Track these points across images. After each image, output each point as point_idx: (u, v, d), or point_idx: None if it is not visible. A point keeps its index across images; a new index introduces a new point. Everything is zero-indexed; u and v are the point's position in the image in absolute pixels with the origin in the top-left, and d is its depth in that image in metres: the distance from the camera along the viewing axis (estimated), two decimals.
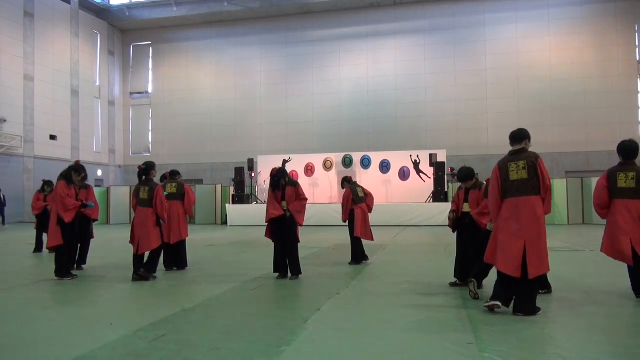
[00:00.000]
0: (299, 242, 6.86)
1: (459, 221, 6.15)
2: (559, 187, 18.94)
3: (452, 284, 6.03)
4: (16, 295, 5.95)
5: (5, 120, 22.92)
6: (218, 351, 3.66)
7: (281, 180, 6.81)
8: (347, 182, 8.64)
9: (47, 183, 10.16)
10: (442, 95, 26.00)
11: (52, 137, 25.93)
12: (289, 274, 6.77)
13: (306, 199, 6.83)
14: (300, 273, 6.80)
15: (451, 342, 3.77)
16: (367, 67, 27.09)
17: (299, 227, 6.84)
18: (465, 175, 6.13)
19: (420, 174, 20.26)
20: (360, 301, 5.52)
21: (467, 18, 26.05)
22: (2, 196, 21.56)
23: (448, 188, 19.46)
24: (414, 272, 7.40)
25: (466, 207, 6.05)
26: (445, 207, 18.34)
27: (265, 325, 4.37)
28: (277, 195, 6.77)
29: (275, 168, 7.02)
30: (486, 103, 25.56)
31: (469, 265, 5.77)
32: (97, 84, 29.54)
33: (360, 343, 3.85)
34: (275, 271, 6.85)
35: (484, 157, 24.66)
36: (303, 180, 21.04)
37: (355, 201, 8.28)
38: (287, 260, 6.76)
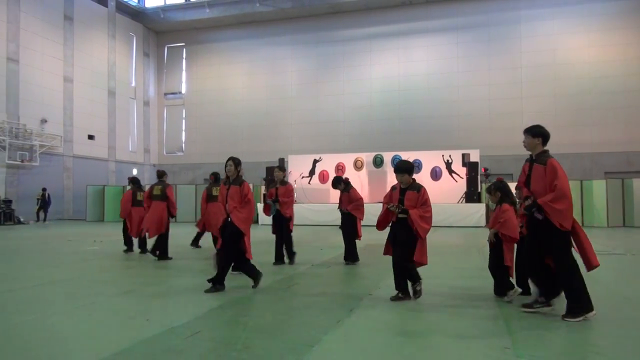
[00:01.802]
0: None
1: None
2: (598, 189, 18.35)
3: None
4: (57, 289, 6.16)
5: (46, 121, 23.75)
6: (251, 349, 3.69)
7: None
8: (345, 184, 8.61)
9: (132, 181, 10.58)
10: (475, 94, 25.54)
11: (90, 137, 26.73)
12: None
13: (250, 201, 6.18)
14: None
15: (487, 346, 3.70)
16: (398, 66, 26.86)
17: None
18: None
19: (453, 174, 19.97)
20: (392, 301, 5.47)
21: (501, 15, 25.50)
22: (47, 195, 22.37)
23: (481, 188, 19.10)
24: (447, 274, 7.29)
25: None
26: (478, 208, 18.07)
27: (297, 324, 4.39)
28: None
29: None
30: (521, 102, 24.97)
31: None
32: (133, 85, 30.28)
33: (392, 344, 3.82)
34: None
35: (518, 157, 24.04)
36: None
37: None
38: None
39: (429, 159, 20.34)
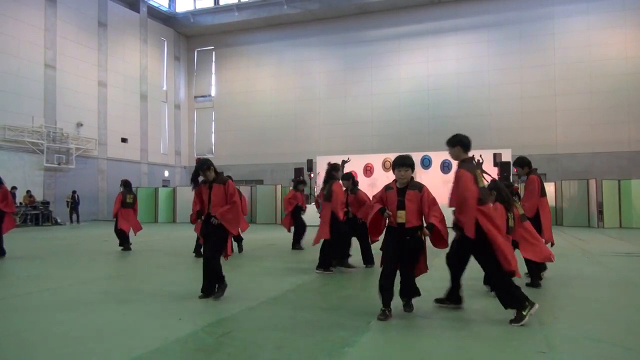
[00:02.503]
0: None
1: None
2: (638, 188, 17.70)
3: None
4: (93, 288, 6.31)
5: (82, 125, 24.47)
6: (282, 349, 3.70)
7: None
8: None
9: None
10: (507, 92, 25.04)
11: (123, 140, 27.39)
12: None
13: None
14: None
15: (522, 349, 3.61)
16: (427, 66, 26.58)
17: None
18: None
19: (483, 175, 19.58)
20: (424, 303, 5.40)
21: (533, 11, 24.93)
22: (76, 196, 23.03)
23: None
24: (478, 276, 7.15)
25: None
26: None
27: (328, 325, 4.37)
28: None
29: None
30: (554, 100, 24.36)
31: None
32: (164, 88, 30.88)
33: (424, 346, 3.77)
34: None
35: (552, 156, 23.53)
36: (362, 181, 20.96)
37: None
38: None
39: None
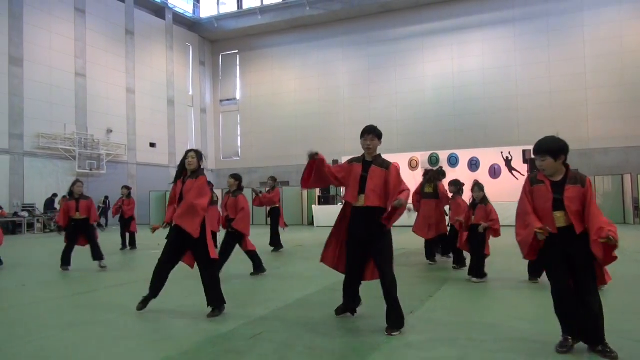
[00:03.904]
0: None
1: None
2: None
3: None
4: (128, 291, 6.44)
5: (111, 131, 25.04)
6: (312, 351, 3.69)
7: None
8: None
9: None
10: (535, 87, 24.49)
11: (152, 145, 27.91)
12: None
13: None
14: None
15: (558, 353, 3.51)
16: (452, 63, 26.23)
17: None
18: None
19: (513, 172, 19.24)
20: (454, 305, 5.33)
21: (561, 4, 24.31)
22: (107, 202, 23.56)
23: None
24: (509, 277, 7.01)
25: None
26: None
27: (358, 326, 4.35)
28: None
29: None
30: (585, 93, 23.70)
31: None
32: (190, 93, 31.34)
33: (456, 350, 3.70)
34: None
35: (584, 151, 22.89)
36: None
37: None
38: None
39: (487, 157, 19.70)
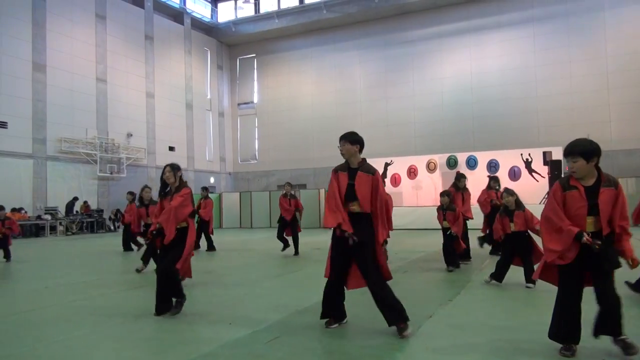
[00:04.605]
0: None
1: None
2: None
3: None
4: (145, 294, 6.51)
5: (131, 135, 25.41)
6: (332, 354, 3.68)
7: None
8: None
9: None
10: (555, 88, 24.13)
11: (171, 148, 28.23)
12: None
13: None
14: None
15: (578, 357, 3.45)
16: (470, 64, 26.00)
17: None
18: None
19: (533, 174, 18.97)
20: (474, 309, 5.26)
21: (582, 3, 23.93)
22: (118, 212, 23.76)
23: None
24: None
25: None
26: None
27: (378, 329, 4.32)
28: None
29: None
30: (607, 94, 23.26)
31: None
32: (208, 97, 31.64)
33: (478, 355, 3.65)
34: None
35: (607, 153, 22.30)
36: (406, 183, 20.71)
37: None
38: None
39: (507, 159, 19.46)
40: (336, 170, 4.56)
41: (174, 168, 5.26)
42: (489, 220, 9.03)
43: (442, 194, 8.04)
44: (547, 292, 5.95)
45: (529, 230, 6.36)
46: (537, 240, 8.22)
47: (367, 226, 4.29)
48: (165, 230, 4.93)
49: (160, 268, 5.05)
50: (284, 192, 10.93)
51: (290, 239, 10.85)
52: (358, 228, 4.27)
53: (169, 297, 5.06)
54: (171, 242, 5.00)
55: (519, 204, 6.55)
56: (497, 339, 3.97)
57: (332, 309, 4.43)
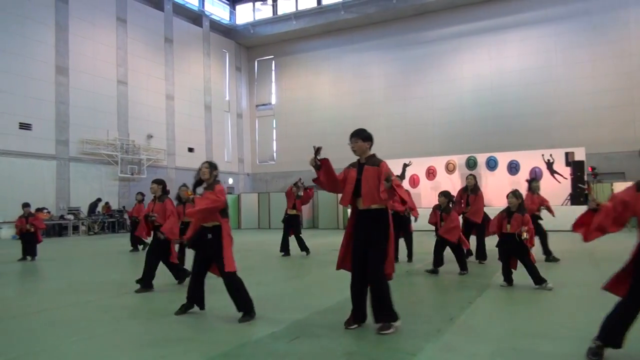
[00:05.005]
0: None
1: None
2: None
3: None
4: (166, 295, 6.58)
5: (152, 136, 25.73)
6: (352, 355, 3.67)
7: None
8: None
9: None
10: (578, 87, 23.68)
11: (190, 150, 28.50)
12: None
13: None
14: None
15: None
16: (490, 64, 25.69)
17: None
18: None
19: (555, 175, 18.66)
20: (496, 312, 5.19)
21: (605, 0, 23.47)
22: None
23: (589, 189, 17.63)
24: (555, 282, 6.79)
25: None
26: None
27: (398, 331, 4.29)
28: None
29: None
30: (632, 93, 22.75)
31: None
32: (227, 98, 31.87)
33: (499, 358, 3.60)
34: None
35: (632, 153, 21.95)
36: (424, 184, 20.57)
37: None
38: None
39: (528, 160, 19.17)
40: (348, 167, 4.67)
41: (212, 166, 5.33)
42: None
43: (440, 194, 7.88)
44: (571, 297, 5.85)
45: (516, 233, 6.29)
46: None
47: (377, 222, 4.33)
48: (190, 226, 5.06)
49: (225, 281, 4.94)
50: (294, 186, 11.11)
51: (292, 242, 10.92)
52: (367, 225, 4.32)
53: (199, 297, 5.13)
54: (206, 245, 5.00)
55: (521, 208, 6.48)
56: (523, 344, 3.91)
57: (356, 306, 4.42)
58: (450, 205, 7.74)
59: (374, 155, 4.57)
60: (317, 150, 4.45)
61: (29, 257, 11.06)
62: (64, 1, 21.80)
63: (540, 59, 24.55)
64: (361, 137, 4.54)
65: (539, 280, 6.20)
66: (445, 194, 7.79)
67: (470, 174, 9.29)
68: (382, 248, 4.30)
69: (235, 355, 3.73)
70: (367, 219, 4.36)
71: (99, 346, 4.10)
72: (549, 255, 8.88)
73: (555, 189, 18.24)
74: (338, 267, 4.65)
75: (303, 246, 10.79)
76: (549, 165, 18.70)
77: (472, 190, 8.91)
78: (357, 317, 4.43)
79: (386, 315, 4.22)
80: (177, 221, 7.04)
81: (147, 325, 4.77)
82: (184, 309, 5.15)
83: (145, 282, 6.70)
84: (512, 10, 25.19)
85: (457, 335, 4.17)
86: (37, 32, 20.70)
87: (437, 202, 7.93)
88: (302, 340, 4.05)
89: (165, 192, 7.19)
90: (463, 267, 7.63)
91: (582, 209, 15.00)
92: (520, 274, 6.46)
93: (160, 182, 7.18)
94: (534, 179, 9.78)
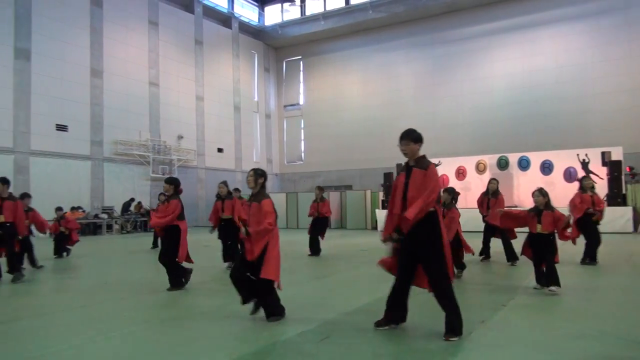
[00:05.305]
0: None
1: None
2: None
3: None
4: (197, 293, 6.67)
5: (182, 137, 26.17)
6: (381, 357, 3.65)
7: None
8: None
9: None
10: (614, 85, 22.92)
11: (219, 150, 28.87)
12: None
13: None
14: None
15: None
16: (523, 62, 25.13)
17: None
18: None
19: (590, 175, 18.11)
20: (530, 315, 5.07)
21: None
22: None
23: (626, 190, 17.07)
24: (581, 286, 6.59)
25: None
26: (624, 212, 16.17)
27: (426, 332, 4.24)
28: None
29: None
30: None
31: None
32: (255, 99, 32.14)
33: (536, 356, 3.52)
34: None
35: None
36: (454, 184, 20.27)
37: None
38: None
39: (562, 159, 18.68)
40: (399, 172, 4.52)
41: (257, 173, 5.09)
42: (578, 226, 8.41)
43: (443, 190, 7.49)
44: (605, 300, 5.67)
45: (555, 232, 6.10)
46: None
47: (426, 226, 4.17)
48: (254, 248, 4.72)
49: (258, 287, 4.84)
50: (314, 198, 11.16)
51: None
52: (415, 232, 4.18)
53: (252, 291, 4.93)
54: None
55: (548, 205, 6.26)
56: (559, 348, 3.81)
57: (393, 308, 4.37)
58: (453, 202, 7.55)
59: (423, 156, 4.43)
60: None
61: (64, 254, 11.44)
62: (99, 5, 22.39)
63: (574, 57, 23.89)
64: (412, 138, 4.39)
65: (553, 281, 5.94)
66: (449, 190, 7.65)
67: (493, 178, 9.26)
68: (440, 256, 4.13)
69: (264, 353, 3.75)
70: (415, 225, 4.15)
71: (133, 342, 4.19)
72: (592, 260, 8.53)
73: None
74: (387, 268, 4.62)
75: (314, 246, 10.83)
76: (584, 165, 18.18)
77: (492, 194, 9.01)
78: (389, 319, 4.38)
79: (455, 327, 4.08)
80: (171, 220, 6.67)
81: (178, 323, 4.84)
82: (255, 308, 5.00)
83: (172, 282, 6.75)
84: (545, 6, 24.59)
85: (490, 338, 4.09)
86: (73, 36, 21.32)
87: (466, 202, 7.82)
88: (332, 341, 4.04)
89: (177, 192, 7.00)
90: (460, 267, 7.40)
91: (621, 209, 14.43)
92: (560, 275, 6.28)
93: (171, 182, 7.00)
94: (586, 176, 9.35)
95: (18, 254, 8.25)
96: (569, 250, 8.50)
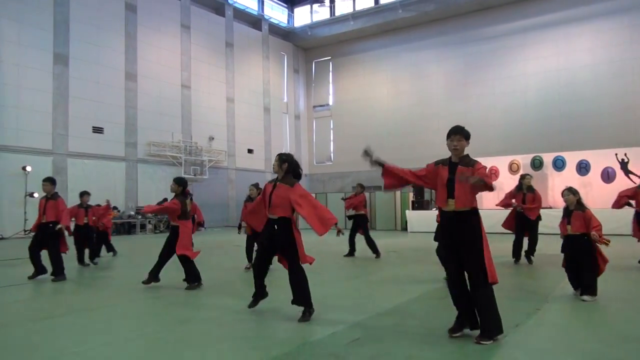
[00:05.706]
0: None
1: None
2: None
3: None
4: (229, 290, 6.74)
5: (213, 138, 26.56)
6: (412, 359, 3.60)
7: None
8: None
9: None
10: None
11: (249, 151, 29.17)
12: None
13: None
14: None
15: None
16: (558, 59, 24.47)
17: None
18: None
19: (630, 175, 17.49)
20: (565, 321, 4.93)
21: None
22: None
23: None
24: (621, 294, 6.36)
25: None
26: None
27: (460, 336, 4.17)
28: None
29: None
30: None
31: None
32: (285, 100, 32.34)
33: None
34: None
35: None
36: None
37: None
38: None
39: (599, 159, 18.09)
40: (437, 163, 4.43)
41: (282, 159, 5.08)
42: (637, 220, 8.39)
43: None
44: (626, 309, 5.46)
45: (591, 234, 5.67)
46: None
47: (469, 225, 4.10)
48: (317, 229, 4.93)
49: (291, 278, 4.96)
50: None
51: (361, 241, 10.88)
52: (459, 229, 4.12)
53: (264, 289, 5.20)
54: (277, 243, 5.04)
55: (580, 204, 5.95)
56: (594, 356, 3.69)
57: (460, 313, 4.22)
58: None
59: (467, 155, 4.37)
60: (367, 154, 4.38)
61: (111, 253, 11.78)
62: (133, 11, 22.95)
63: (612, 53, 23.13)
64: (464, 135, 4.35)
65: (587, 289, 5.62)
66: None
67: (527, 174, 9.23)
68: (479, 255, 4.03)
69: (294, 354, 3.76)
70: (459, 222, 4.12)
71: (166, 340, 4.27)
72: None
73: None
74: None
75: (372, 247, 10.69)
76: (623, 165, 17.56)
77: (528, 189, 9.12)
78: (462, 325, 4.22)
79: (490, 330, 3.98)
80: (158, 209, 7.50)
81: (209, 323, 4.90)
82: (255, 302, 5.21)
83: (188, 278, 6.94)
84: (581, 1, 23.88)
85: (524, 343, 4.00)
86: (109, 41, 21.92)
87: (497, 203, 7.78)
88: (362, 342, 4.03)
89: (183, 193, 7.19)
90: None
91: None
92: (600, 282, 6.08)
93: (179, 182, 7.24)
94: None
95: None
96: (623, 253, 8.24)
